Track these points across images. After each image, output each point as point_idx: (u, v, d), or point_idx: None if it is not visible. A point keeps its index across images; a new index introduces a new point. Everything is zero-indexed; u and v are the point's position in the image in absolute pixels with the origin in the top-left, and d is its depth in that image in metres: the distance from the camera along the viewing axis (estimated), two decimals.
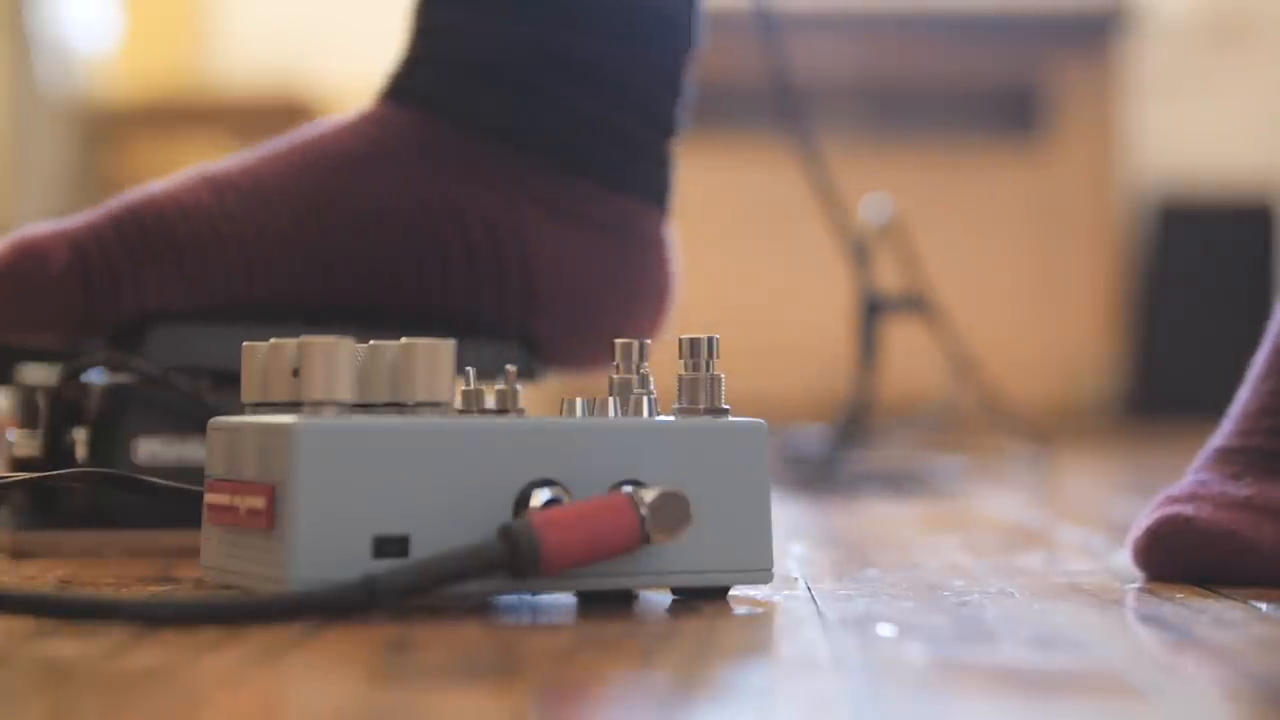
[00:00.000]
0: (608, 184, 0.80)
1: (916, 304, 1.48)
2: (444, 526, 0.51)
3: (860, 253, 1.46)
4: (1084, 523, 0.94)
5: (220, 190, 0.74)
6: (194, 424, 0.69)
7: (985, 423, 1.63)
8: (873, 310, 1.45)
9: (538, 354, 0.78)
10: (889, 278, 1.51)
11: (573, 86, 0.79)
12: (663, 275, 0.82)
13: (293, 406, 0.52)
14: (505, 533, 0.51)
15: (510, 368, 0.55)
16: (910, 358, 1.68)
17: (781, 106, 1.39)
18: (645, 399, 0.56)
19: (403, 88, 0.79)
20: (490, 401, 0.55)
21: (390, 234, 0.75)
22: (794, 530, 0.86)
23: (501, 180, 0.78)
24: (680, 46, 0.82)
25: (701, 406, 0.56)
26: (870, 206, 1.50)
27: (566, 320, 0.78)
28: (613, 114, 0.80)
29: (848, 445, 1.38)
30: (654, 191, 0.82)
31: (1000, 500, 1.14)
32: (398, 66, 0.80)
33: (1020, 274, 3.05)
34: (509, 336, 0.77)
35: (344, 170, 0.76)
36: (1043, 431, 1.62)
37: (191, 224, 0.72)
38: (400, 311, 0.76)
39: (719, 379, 0.57)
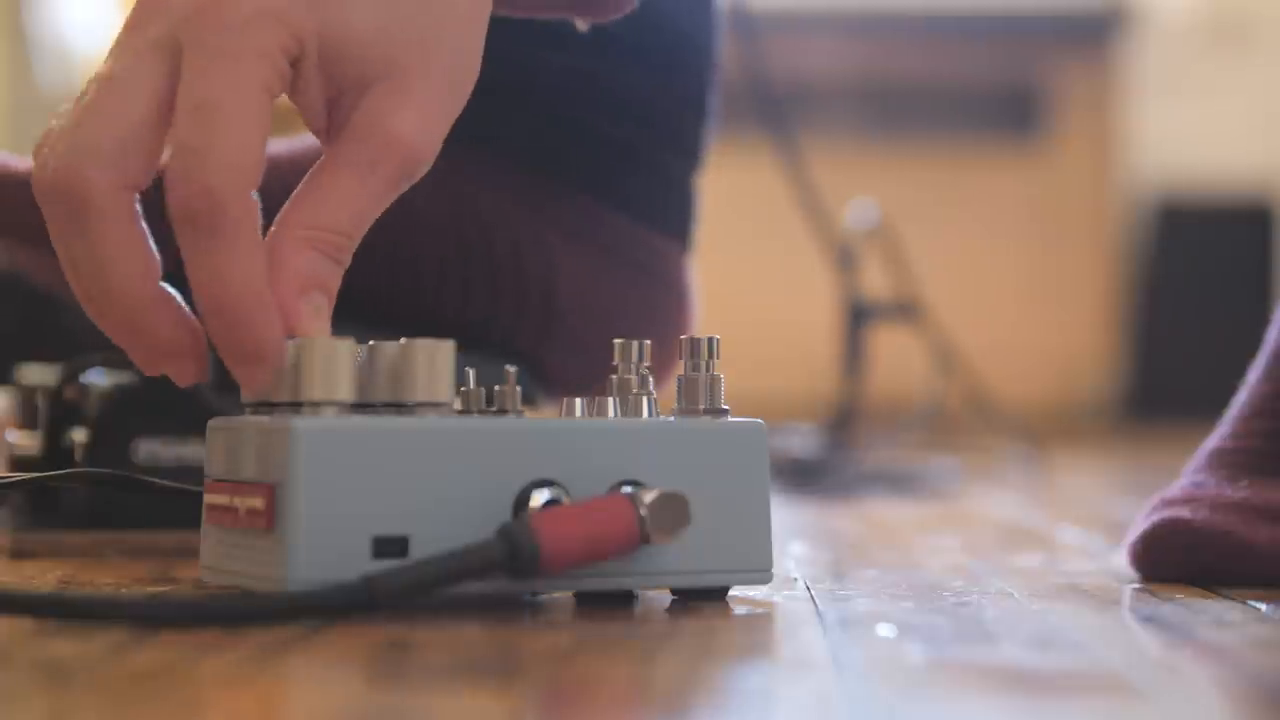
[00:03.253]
0: (636, 218, 0.80)
1: (905, 310, 1.47)
2: (444, 526, 0.51)
3: (845, 259, 1.45)
4: (1083, 523, 0.94)
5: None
6: (194, 424, 0.69)
7: (977, 423, 1.63)
8: (858, 318, 1.44)
9: (543, 379, 0.78)
10: (877, 282, 1.51)
11: (603, 115, 0.79)
12: (682, 320, 0.82)
13: (293, 406, 0.52)
14: (505, 533, 0.51)
15: (510, 368, 0.55)
16: (900, 358, 1.68)
17: (765, 115, 1.39)
18: (645, 399, 0.56)
19: None
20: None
21: (417, 234, 0.75)
22: (794, 530, 0.86)
23: (531, 204, 0.78)
24: (706, 73, 0.82)
25: (701, 407, 0.56)
26: (856, 211, 1.49)
27: (579, 350, 0.78)
28: (642, 143, 0.80)
29: (837, 452, 1.38)
30: (680, 230, 0.82)
31: (999, 500, 1.14)
32: None
33: (1020, 274, 3.05)
34: (518, 357, 0.77)
35: None
36: (1035, 432, 1.62)
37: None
38: (415, 314, 0.75)
39: (719, 379, 0.57)
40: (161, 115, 0.51)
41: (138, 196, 0.51)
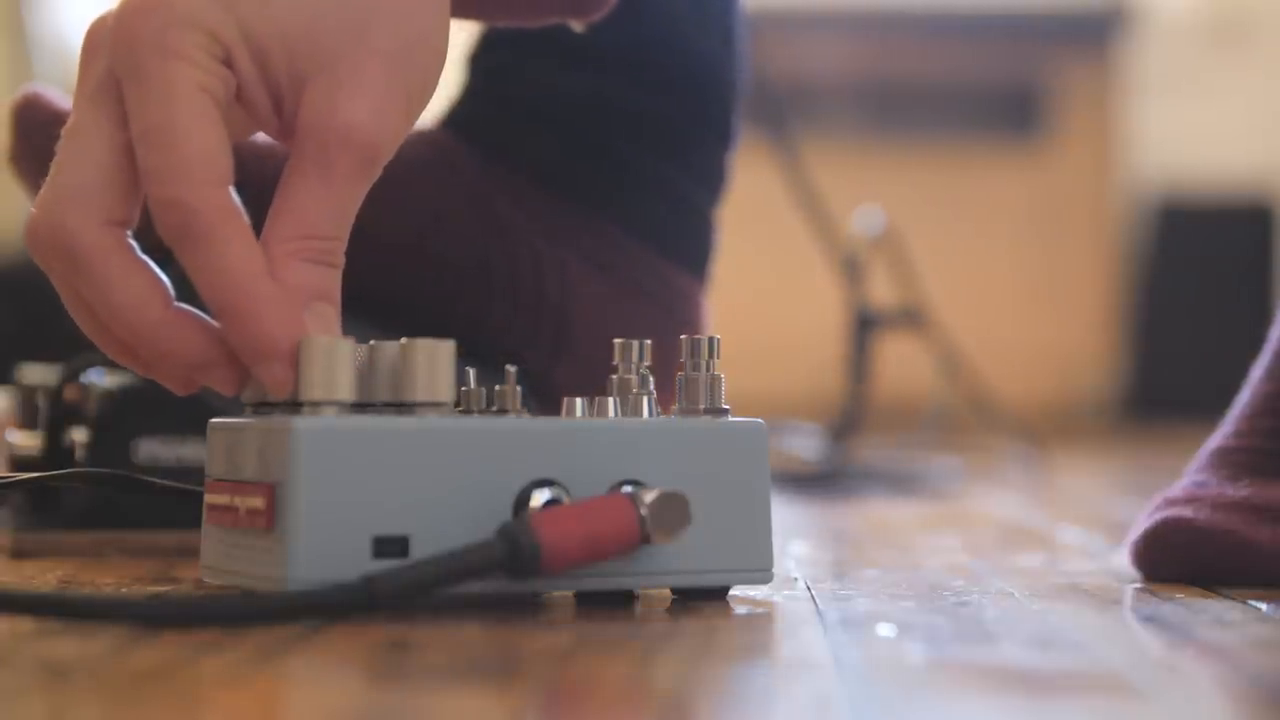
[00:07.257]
0: (658, 250, 0.80)
1: (911, 318, 1.47)
2: (444, 526, 0.51)
3: (851, 269, 1.45)
4: (1083, 523, 0.94)
5: None
6: (194, 424, 0.69)
7: (978, 423, 1.63)
8: (864, 326, 1.44)
9: (548, 399, 0.78)
10: (883, 288, 1.50)
11: (630, 141, 0.79)
12: None
13: (293, 406, 0.52)
14: (505, 532, 0.51)
15: (510, 368, 0.55)
16: (903, 361, 1.68)
17: (765, 116, 1.39)
18: (645, 399, 0.56)
19: (463, 120, 0.79)
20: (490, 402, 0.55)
21: (441, 236, 0.75)
22: (794, 530, 0.86)
23: (554, 225, 0.77)
24: (731, 99, 0.82)
25: (701, 406, 0.56)
26: (862, 219, 1.49)
27: (587, 376, 0.78)
28: (667, 171, 0.80)
29: (840, 455, 1.38)
30: (699, 264, 0.82)
31: (999, 500, 1.14)
32: (459, 97, 0.80)
33: (1020, 274, 3.05)
34: (526, 375, 0.77)
35: (408, 169, 0.75)
36: (1035, 432, 1.62)
37: (264, 169, 0.71)
38: (429, 320, 0.75)
39: (719, 379, 0.57)
40: (126, 154, 0.52)
41: (130, 234, 0.52)
